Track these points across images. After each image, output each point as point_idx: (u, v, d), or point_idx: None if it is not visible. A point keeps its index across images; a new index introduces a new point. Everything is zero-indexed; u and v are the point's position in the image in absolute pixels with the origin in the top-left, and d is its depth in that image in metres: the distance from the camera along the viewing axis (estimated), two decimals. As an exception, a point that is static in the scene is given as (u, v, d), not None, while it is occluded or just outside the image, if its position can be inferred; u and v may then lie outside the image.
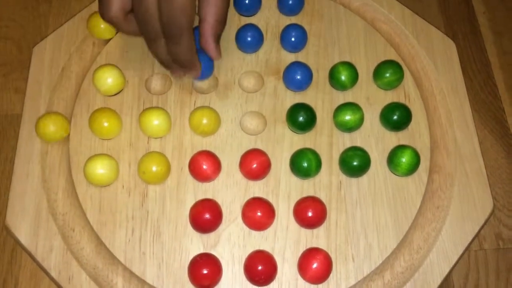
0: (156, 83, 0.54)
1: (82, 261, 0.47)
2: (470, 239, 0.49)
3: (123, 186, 0.50)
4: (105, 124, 0.50)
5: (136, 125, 0.52)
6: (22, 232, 0.48)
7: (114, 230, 0.48)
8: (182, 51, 0.47)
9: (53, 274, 0.46)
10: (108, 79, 0.52)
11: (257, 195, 0.50)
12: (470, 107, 0.54)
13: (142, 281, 0.46)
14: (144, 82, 0.54)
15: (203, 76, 0.53)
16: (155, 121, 0.50)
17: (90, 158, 0.49)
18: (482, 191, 0.51)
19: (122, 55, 0.55)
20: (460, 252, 0.48)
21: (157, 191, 0.49)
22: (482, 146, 0.53)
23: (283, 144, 0.52)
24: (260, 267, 0.45)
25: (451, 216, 0.49)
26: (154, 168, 0.48)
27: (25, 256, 0.50)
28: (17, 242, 0.48)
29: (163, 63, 0.50)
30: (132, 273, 0.47)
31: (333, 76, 0.54)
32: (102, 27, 0.55)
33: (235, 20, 0.58)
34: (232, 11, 0.58)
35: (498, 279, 0.51)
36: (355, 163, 0.49)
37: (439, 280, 0.47)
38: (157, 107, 0.52)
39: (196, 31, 0.50)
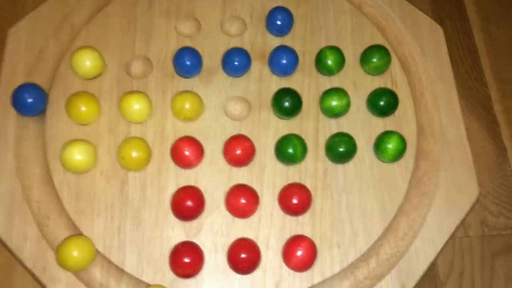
0: (137, 66, 0.53)
1: (59, 250, 0.46)
2: (455, 225, 0.48)
3: (101, 173, 0.48)
4: (83, 109, 0.48)
5: (115, 109, 0.51)
6: (-4, 220, 0.46)
7: (92, 218, 0.46)
8: None
9: (28, 263, 0.45)
10: (86, 62, 0.50)
11: (241, 182, 0.49)
12: (457, 93, 0.54)
13: (121, 271, 0.45)
14: (124, 66, 0.53)
15: (191, 73, 0.52)
16: (136, 105, 0.49)
17: (67, 144, 0.47)
18: (468, 178, 0.50)
19: (102, 37, 0.53)
20: (446, 238, 0.48)
21: (137, 177, 0.48)
22: (468, 132, 0.52)
23: (268, 130, 0.51)
24: (243, 255, 0.45)
25: (436, 203, 0.49)
26: (134, 154, 0.47)
27: (-1, 245, 0.48)
28: (-10, 230, 0.46)
29: None
30: (110, 262, 0.45)
31: (319, 60, 0.53)
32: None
33: (219, 4, 0.56)
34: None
35: (482, 265, 0.51)
36: (341, 149, 0.49)
37: (424, 267, 0.47)
38: (137, 91, 0.50)
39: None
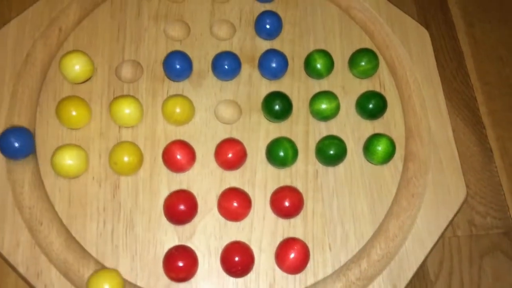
0: (127, 71, 0.52)
1: (52, 255, 0.45)
2: (444, 226, 0.49)
3: (93, 178, 0.48)
4: (73, 113, 0.48)
5: (106, 114, 0.50)
6: (-14, 226, 0.45)
7: (85, 223, 0.46)
8: None
9: (21, 269, 0.44)
10: (76, 66, 0.50)
11: (233, 185, 0.49)
12: (443, 95, 0.55)
13: (115, 275, 0.45)
14: (114, 69, 0.52)
15: (181, 77, 0.52)
16: (126, 109, 0.48)
17: (58, 149, 0.47)
18: (455, 179, 0.51)
19: (91, 41, 0.53)
20: (435, 239, 0.49)
21: (129, 182, 0.48)
22: (455, 134, 0.53)
23: (259, 133, 0.51)
24: (236, 258, 0.45)
25: (425, 204, 0.50)
26: (126, 159, 0.47)
27: (-10, 252, 0.48)
28: (-20, 237, 0.46)
29: None
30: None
31: (308, 64, 0.53)
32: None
33: (208, 8, 0.56)
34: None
35: (471, 265, 0.52)
36: (331, 152, 0.49)
37: (414, 268, 0.47)
38: (128, 95, 0.50)
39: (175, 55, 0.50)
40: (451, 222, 0.50)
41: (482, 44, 0.63)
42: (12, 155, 0.46)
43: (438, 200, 0.50)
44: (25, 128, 0.47)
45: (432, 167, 0.51)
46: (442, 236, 0.49)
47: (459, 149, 0.53)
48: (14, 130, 0.46)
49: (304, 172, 0.50)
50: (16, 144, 0.46)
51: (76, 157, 0.46)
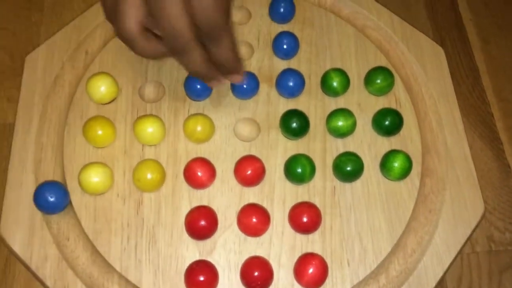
0: (150, 91, 0.55)
1: (78, 270, 0.47)
2: (462, 241, 0.49)
3: (118, 194, 0.49)
4: (99, 132, 0.50)
5: (130, 132, 0.52)
6: (16, 241, 0.47)
7: (110, 238, 0.48)
8: (225, 51, 0.42)
9: (48, 283, 0.46)
10: (101, 87, 0.52)
11: (252, 201, 0.50)
12: (459, 112, 0.55)
13: (138, 289, 0.46)
14: (138, 90, 0.54)
15: (202, 96, 0.53)
16: (149, 128, 0.50)
17: (85, 167, 0.49)
18: (473, 194, 0.51)
19: (115, 63, 0.55)
20: (453, 255, 0.49)
21: (152, 198, 0.49)
22: (472, 150, 0.54)
23: (277, 150, 0.52)
24: (256, 273, 0.45)
25: (443, 220, 0.50)
26: (149, 176, 0.48)
27: (19, 265, 0.49)
28: (11, 251, 0.47)
29: (199, 73, 0.45)
30: (128, 281, 0.46)
31: (325, 82, 0.54)
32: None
33: (227, 28, 0.58)
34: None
35: (490, 281, 0.51)
36: (348, 168, 0.50)
37: (433, 283, 0.47)
38: (151, 115, 0.52)
39: None
40: (469, 238, 0.50)
41: (498, 61, 0.63)
42: (50, 210, 0.48)
43: (456, 216, 0.50)
44: (59, 183, 0.49)
45: (450, 183, 0.52)
46: (460, 252, 0.49)
47: (476, 165, 0.53)
48: (49, 187, 0.47)
49: (321, 188, 0.51)
50: (52, 199, 0.47)
51: (101, 174, 0.48)
